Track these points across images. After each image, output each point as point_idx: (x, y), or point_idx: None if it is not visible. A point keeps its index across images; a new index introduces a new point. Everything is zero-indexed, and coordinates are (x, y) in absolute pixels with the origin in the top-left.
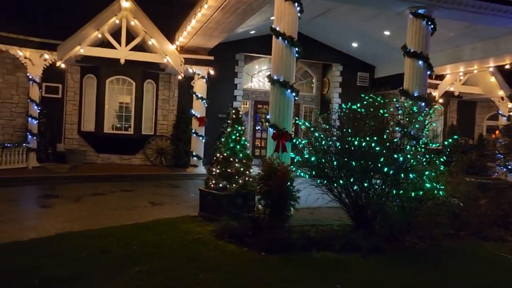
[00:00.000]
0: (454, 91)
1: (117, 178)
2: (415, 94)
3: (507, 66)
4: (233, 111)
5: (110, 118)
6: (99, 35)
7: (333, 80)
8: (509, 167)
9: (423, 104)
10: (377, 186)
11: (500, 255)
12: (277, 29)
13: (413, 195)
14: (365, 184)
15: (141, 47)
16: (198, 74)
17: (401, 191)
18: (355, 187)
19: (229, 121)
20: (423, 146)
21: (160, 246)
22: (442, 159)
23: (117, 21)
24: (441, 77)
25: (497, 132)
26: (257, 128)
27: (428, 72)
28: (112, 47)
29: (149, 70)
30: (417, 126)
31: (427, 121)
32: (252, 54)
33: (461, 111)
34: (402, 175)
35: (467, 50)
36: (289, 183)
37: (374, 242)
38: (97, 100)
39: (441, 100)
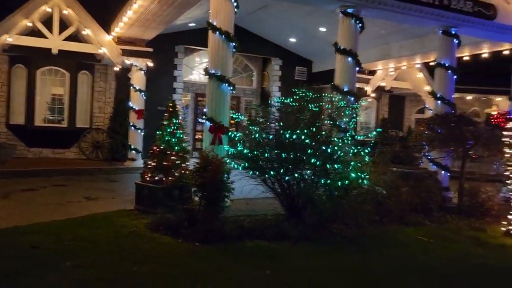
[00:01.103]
0: (385, 86)
1: (49, 173)
2: (345, 89)
3: (432, 63)
4: (169, 104)
5: (42, 111)
6: (29, 24)
7: (273, 74)
8: (429, 157)
9: (352, 98)
10: (307, 177)
11: (417, 238)
12: (214, 23)
13: (339, 184)
14: (296, 175)
15: (76, 37)
16: (136, 66)
17: (329, 181)
18: (287, 178)
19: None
20: (350, 138)
21: (94, 240)
22: (367, 150)
23: (49, 10)
24: (373, 73)
25: (422, 125)
26: (198, 121)
27: (357, 69)
28: (44, 36)
29: (84, 61)
30: (345, 119)
31: (354, 115)
32: (192, 47)
33: (392, 105)
34: (329, 165)
35: (396, 47)
36: (225, 175)
37: (303, 230)
38: (28, 92)
39: (373, 95)
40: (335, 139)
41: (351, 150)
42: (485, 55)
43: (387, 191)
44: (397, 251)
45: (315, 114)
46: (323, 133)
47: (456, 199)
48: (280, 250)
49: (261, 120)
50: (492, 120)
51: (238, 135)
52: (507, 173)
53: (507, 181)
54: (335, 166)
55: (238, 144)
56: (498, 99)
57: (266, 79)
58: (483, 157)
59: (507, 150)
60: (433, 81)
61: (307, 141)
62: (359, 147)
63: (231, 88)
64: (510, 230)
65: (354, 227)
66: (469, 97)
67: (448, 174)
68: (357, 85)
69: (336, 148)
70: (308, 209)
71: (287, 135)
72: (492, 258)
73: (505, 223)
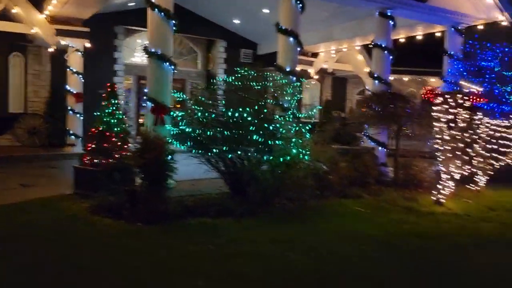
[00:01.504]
0: (328, 68)
1: None
2: (287, 69)
3: (371, 45)
4: (107, 85)
5: None
6: None
7: (218, 56)
8: (368, 134)
9: (294, 78)
10: (249, 154)
11: (355, 209)
12: (152, 0)
13: (281, 160)
14: (238, 152)
15: (5, 16)
16: (73, 47)
17: (271, 157)
18: (230, 156)
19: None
20: (291, 116)
21: (30, 225)
22: (307, 127)
23: None
24: (316, 55)
25: (361, 104)
26: (141, 104)
27: (298, 49)
28: None
29: (16, 42)
30: (287, 98)
31: (296, 93)
32: (132, 27)
33: (334, 87)
34: (271, 142)
35: (338, 29)
36: (170, 156)
37: (247, 206)
38: None
39: (316, 77)
40: (277, 117)
41: (293, 128)
42: (419, 37)
43: (328, 166)
44: (336, 221)
45: (258, 93)
46: (265, 111)
47: (392, 173)
48: (224, 226)
49: (203, 99)
50: (423, 96)
51: (180, 114)
52: (436, 146)
53: (437, 154)
54: (277, 142)
55: (181, 124)
56: (432, 80)
57: (211, 61)
58: (419, 135)
59: (436, 124)
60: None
61: (249, 119)
62: (300, 125)
63: (173, 67)
64: (439, 198)
65: (297, 202)
66: (406, 78)
67: (386, 150)
68: (301, 67)
69: (278, 125)
70: (252, 186)
71: (229, 114)
72: (422, 224)
73: (435, 192)
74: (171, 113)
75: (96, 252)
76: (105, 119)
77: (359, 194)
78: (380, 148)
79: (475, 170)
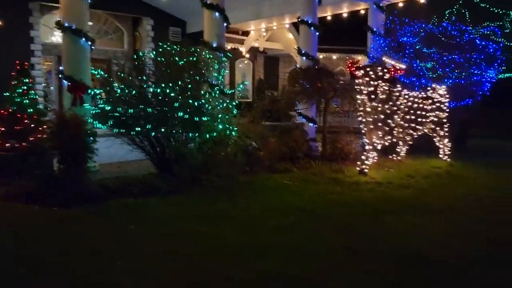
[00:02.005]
0: (259, 47)
1: None
2: (214, 45)
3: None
4: (17, 62)
5: None
6: None
7: (145, 35)
8: (299, 110)
9: (221, 54)
10: (174, 131)
11: (284, 182)
12: None
13: (207, 136)
14: (162, 130)
15: None
16: None
17: (197, 134)
18: (153, 134)
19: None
20: (218, 92)
21: None
22: (234, 103)
23: None
24: (246, 33)
25: (288, 79)
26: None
27: (225, 24)
28: None
29: None
30: (214, 74)
31: (222, 69)
32: (49, 4)
33: (267, 66)
34: (197, 119)
35: (267, 6)
36: (91, 137)
37: (174, 184)
38: None
39: (247, 55)
40: (203, 92)
41: (220, 104)
42: (346, 15)
43: (257, 143)
44: (265, 195)
45: (182, 68)
46: (190, 86)
47: (321, 147)
48: (147, 204)
49: (123, 75)
50: (346, 68)
51: (98, 91)
52: (360, 118)
53: (361, 127)
54: (203, 119)
55: (100, 102)
56: (359, 57)
57: (138, 40)
58: (346, 110)
59: (358, 96)
60: None
61: (172, 95)
62: (228, 101)
63: (90, 43)
64: (363, 169)
65: (227, 178)
66: (335, 56)
67: (315, 126)
68: (232, 45)
69: (203, 101)
70: (179, 163)
71: (151, 90)
72: (347, 193)
73: (359, 163)
74: (89, 91)
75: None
76: (16, 100)
77: (289, 168)
78: (310, 124)
79: (395, 140)
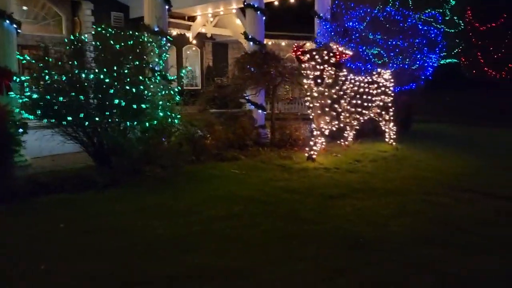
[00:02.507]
0: (207, 33)
1: None
2: (155, 29)
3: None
4: None
5: None
6: None
7: (85, 20)
8: (248, 97)
9: (163, 39)
10: (110, 120)
11: (231, 171)
12: None
13: (147, 125)
14: (97, 119)
15: None
16: None
17: (135, 122)
18: (87, 123)
19: None
20: (159, 77)
21: None
22: (177, 89)
23: None
24: (193, 19)
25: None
26: None
27: (167, 7)
28: None
29: None
30: (156, 59)
31: (164, 54)
32: None
33: (215, 53)
34: (135, 106)
35: None
36: (20, 128)
37: (112, 176)
38: None
39: (194, 42)
40: (141, 78)
41: (162, 91)
42: (292, 1)
43: (204, 131)
44: (210, 185)
45: (118, 53)
46: (126, 72)
47: (270, 134)
48: (82, 200)
49: (51, 60)
50: (292, 53)
51: (24, 79)
52: (307, 103)
53: (309, 112)
54: (142, 106)
55: (27, 89)
56: (308, 44)
57: (78, 26)
58: (297, 98)
59: (305, 81)
60: None
61: (107, 81)
62: (170, 87)
63: (16, 26)
64: (311, 155)
65: (171, 168)
66: (284, 43)
67: (265, 112)
68: (178, 31)
69: (142, 87)
70: (118, 155)
71: (83, 76)
72: (294, 179)
73: (308, 149)
74: (15, 78)
75: None
76: None
77: (236, 156)
78: (259, 111)
79: (343, 125)
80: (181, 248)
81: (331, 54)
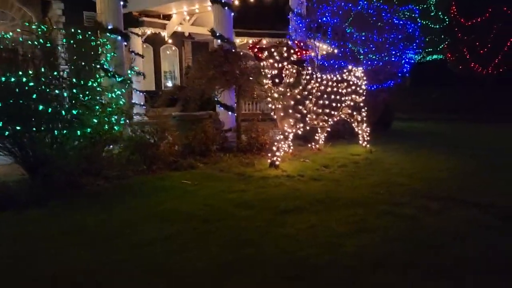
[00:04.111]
0: (184, 32)
1: None
2: (109, 27)
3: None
4: None
5: None
6: None
7: (56, 20)
8: (216, 98)
9: (118, 37)
10: (35, 129)
11: (182, 182)
12: None
13: (79, 133)
14: (18, 128)
15: None
16: None
17: (65, 131)
18: (6, 133)
19: None
20: (99, 79)
21: None
22: (122, 91)
23: None
24: (169, 17)
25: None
26: None
27: (122, 3)
28: None
29: None
30: (102, 60)
31: (109, 54)
32: None
33: (195, 52)
34: (64, 112)
35: None
36: None
37: (41, 191)
38: None
39: (170, 41)
40: (75, 80)
41: (108, 94)
42: None
43: (157, 136)
44: (152, 199)
45: (48, 52)
46: (55, 74)
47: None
48: None
49: None
50: (249, 50)
51: None
52: (269, 105)
53: (272, 115)
54: (73, 112)
55: None
56: (264, 41)
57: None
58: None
59: (265, 81)
60: None
61: (31, 84)
62: (116, 90)
63: None
64: (274, 161)
65: (115, 180)
66: (265, 41)
67: (235, 114)
68: (153, 30)
69: (75, 91)
70: (46, 167)
71: (3, 79)
72: (250, 190)
73: (270, 155)
74: None
75: None
76: None
77: (194, 164)
78: (229, 112)
79: (309, 128)
80: (93, 282)
81: (292, 51)
